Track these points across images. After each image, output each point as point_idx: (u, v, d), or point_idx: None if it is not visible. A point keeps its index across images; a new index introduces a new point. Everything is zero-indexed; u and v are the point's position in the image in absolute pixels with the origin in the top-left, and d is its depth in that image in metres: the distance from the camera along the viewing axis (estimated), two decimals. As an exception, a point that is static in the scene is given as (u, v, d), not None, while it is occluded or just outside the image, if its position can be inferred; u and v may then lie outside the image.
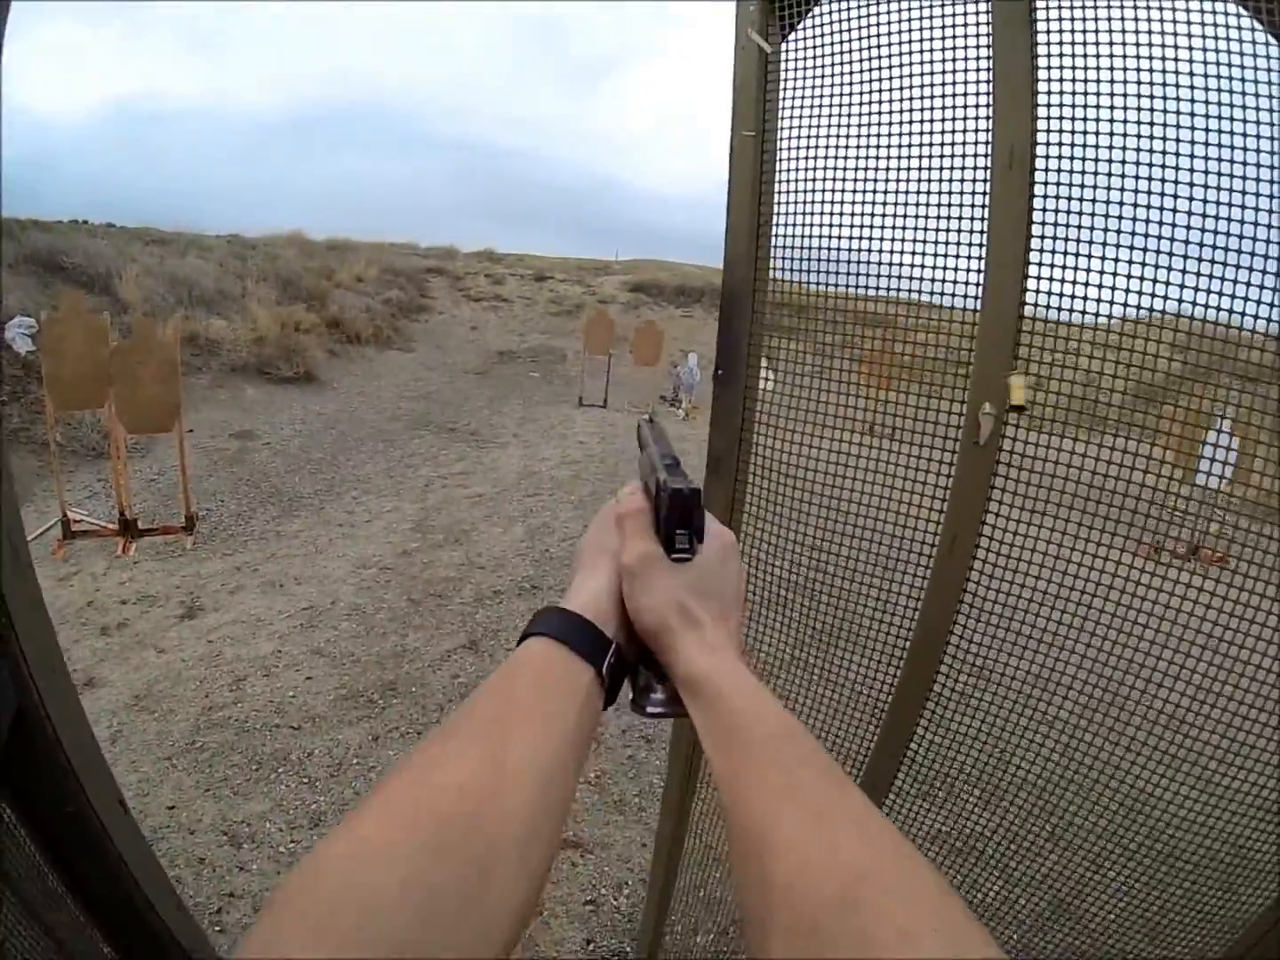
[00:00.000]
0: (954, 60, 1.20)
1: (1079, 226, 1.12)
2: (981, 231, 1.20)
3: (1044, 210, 1.14)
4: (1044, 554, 1.20)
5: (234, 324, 10.73)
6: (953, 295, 1.24)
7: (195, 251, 14.20)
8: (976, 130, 1.18)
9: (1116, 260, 1.11)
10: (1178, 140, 1.05)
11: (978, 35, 1.17)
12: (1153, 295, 1.08)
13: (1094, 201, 1.11)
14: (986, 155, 1.18)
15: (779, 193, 1.39)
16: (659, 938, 2.16)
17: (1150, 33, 1.06)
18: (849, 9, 1.30)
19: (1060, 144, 1.14)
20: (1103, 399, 1.22)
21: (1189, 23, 1.03)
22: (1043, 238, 1.14)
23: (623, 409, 12.13)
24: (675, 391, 13.34)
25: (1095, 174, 1.11)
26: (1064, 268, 1.13)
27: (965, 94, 1.19)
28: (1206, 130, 1.03)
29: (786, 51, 1.39)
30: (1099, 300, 1.12)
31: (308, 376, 10.37)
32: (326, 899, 0.36)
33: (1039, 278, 1.16)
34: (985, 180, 1.18)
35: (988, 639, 1.28)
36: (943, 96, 1.22)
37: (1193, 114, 1.03)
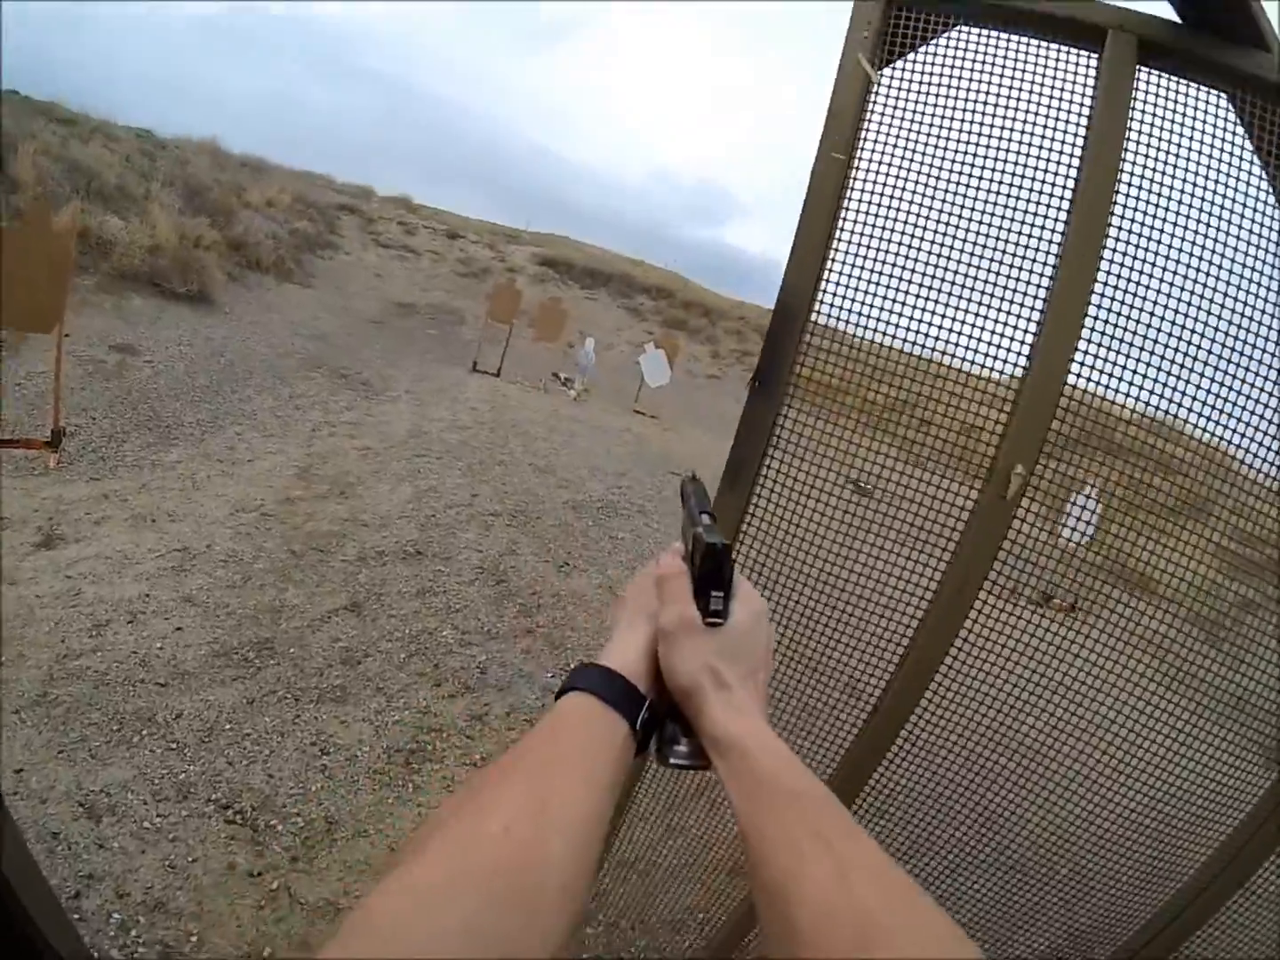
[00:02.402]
0: (1048, 137, 1.24)
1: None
2: (1042, 299, 1.24)
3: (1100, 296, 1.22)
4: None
5: (131, 226, 9.52)
6: (991, 358, 1.27)
7: (102, 139, 12.54)
8: (1056, 209, 1.23)
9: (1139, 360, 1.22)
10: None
11: (1080, 112, 1.23)
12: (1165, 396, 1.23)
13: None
14: (1059, 231, 1.23)
15: (844, 223, 1.34)
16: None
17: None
18: (959, 53, 1.29)
19: (1129, 243, 1.22)
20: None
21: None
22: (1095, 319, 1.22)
23: (516, 380, 11.75)
24: (573, 374, 13.06)
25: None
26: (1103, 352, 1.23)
27: (1053, 170, 1.24)
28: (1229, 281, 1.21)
29: (884, 83, 1.35)
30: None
31: (201, 296, 9.35)
32: (381, 946, 0.36)
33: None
34: (1054, 255, 1.23)
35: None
36: (1029, 175, 1.25)
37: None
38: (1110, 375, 1.22)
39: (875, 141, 1.31)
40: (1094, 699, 1.33)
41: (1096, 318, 1.21)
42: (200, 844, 2.63)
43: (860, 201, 1.31)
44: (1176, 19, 1.22)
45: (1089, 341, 1.21)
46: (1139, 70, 1.22)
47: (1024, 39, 1.27)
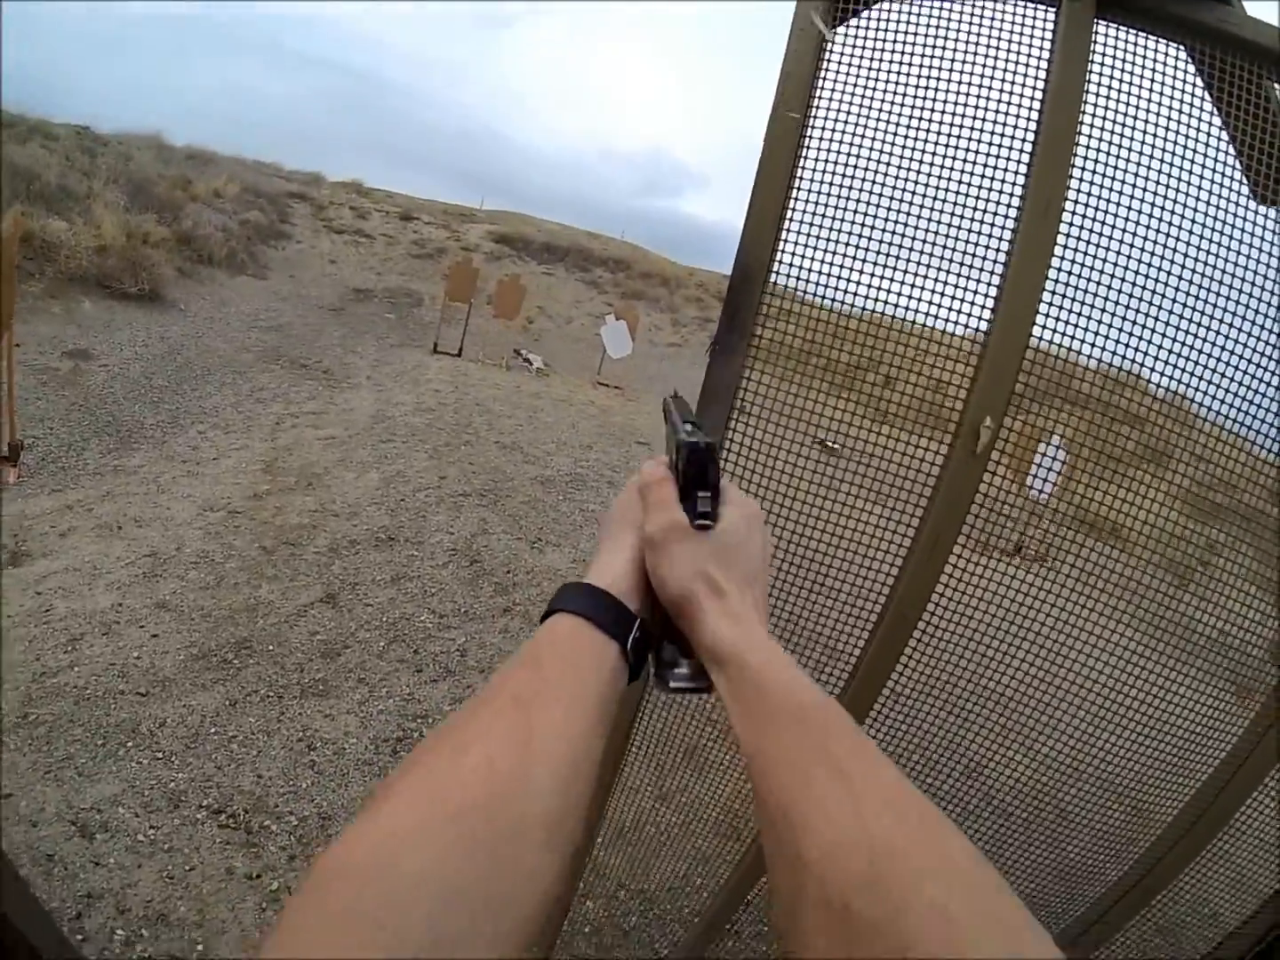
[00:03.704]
0: (1006, 94, 1.20)
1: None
2: (1005, 254, 1.21)
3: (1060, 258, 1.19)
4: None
5: (76, 227, 9.11)
6: (956, 314, 1.25)
7: (40, 139, 11.92)
8: (1016, 165, 1.21)
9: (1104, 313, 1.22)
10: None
11: (1039, 67, 1.20)
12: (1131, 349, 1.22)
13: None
14: (1019, 196, 1.21)
15: (801, 183, 1.29)
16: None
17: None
18: (911, 11, 1.25)
19: (1090, 196, 1.21)
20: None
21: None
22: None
23: (477, 359, 11.56)
24: (537, 352, 12.86)
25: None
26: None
27: (1012, 127, 1.21)
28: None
29: (838, 42, 1.30)
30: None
31: (153, 295, 8.99)
32: (354, 891, 0.34)
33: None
34: (1015, 211, 1.20)
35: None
36: (987, 131, 1.22)
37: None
38: (1075, 327, 1.22)
39: (830, 101, 1.27)
40: (1070, 645, 1.34)
41: (1060, 269, 1.20)
42: (196, 852, 2.60)
43: (816, 161, 1.27)
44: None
45: (1053, 294, 1.20)
46: (1098, 23, 1.19)
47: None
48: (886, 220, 1.27)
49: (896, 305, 1.29)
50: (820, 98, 1.27)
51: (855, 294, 1.29)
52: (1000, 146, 1.21)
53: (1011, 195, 1.21)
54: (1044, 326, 1.21)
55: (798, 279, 1.31)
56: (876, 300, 1.28)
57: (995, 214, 1.21)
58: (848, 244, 1.27)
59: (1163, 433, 1.27)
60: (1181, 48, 1.20)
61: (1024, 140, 1.20)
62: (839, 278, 1.28)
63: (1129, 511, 1.28)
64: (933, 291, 1.26)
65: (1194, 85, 1.19)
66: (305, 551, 4.84)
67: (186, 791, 2.84)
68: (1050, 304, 1.21)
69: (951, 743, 1.50)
